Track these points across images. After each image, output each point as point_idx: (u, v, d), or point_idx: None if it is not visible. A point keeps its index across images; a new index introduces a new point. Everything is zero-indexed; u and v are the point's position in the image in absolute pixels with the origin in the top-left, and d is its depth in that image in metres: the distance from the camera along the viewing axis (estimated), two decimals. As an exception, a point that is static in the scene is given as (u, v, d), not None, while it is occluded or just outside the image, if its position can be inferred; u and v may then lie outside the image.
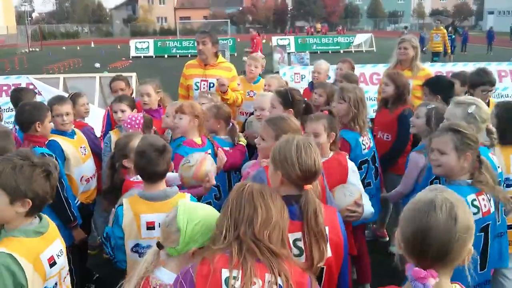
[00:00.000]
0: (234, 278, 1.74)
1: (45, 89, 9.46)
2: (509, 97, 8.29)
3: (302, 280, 1.88)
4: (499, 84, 8.50)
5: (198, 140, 3.76)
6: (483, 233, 2.63)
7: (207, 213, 2.09)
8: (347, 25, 74.92)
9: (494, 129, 3.26)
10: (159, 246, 2.08)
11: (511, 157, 3.36)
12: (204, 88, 5.31)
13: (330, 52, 30.71)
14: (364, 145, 3.89)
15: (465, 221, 1.57)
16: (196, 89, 5.36)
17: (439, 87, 4.35)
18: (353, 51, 31.39)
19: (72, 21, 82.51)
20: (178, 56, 30.69)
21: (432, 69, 7.41)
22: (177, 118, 3.76)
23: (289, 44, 29.15)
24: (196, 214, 2.04)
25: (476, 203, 2.66)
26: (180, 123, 3.74)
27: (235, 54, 27.03)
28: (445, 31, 20.61)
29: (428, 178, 3.46)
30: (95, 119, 5.42)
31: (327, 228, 2.24)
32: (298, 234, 2.16)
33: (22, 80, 10.05)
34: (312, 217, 2.15)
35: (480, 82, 4.53)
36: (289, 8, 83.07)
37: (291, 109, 3.68)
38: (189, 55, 30.27)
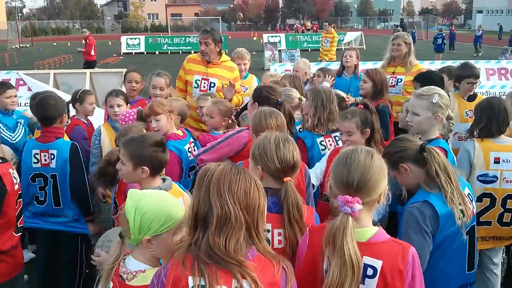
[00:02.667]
0: (198, 286, 1.65)
1: (35, 85, 9.41)
2: (496, 95, 8.40)
3: (274, 280, 1.73)
4: (487, 82, 8.62)
5: (179, 132, 3.72)
6: (468, 236, 2.53)
7: (156, 201, 2.01)
8: (338, 23, 75.13)
9: (453, 115, 3.29)
10: (121, 235, 2.04)
11: (491, 154, 3.38)
12: (204, 87, 5.11)
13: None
14: (323, 145, 3.73)
15: (381, 163, 1.98)
16: (196, 87, 5.15)
17: (430, 82, 4.38)
18: (343, 49, 31.45)
19: (63, 17, 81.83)
20: (169, 52, 30.62)
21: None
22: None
23: (279, 42, 29.13)
24: (143, 203, 1.96)
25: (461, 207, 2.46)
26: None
27: (226, 51, 26.99)
28: (336, 34, 16.87)
29: None
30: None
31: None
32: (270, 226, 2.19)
33: (12, 76, 9.97)
34: (293, 207, 2.19)
35: (465, 75, 4.69)
36: (280, 6, 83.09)
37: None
38: (180, 52, 30.27)
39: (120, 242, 2.05)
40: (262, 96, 3.53)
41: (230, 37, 35.98)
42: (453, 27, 31.89)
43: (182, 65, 5.36)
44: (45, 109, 3.61)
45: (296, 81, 4.72)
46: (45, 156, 3.59)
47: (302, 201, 2.27)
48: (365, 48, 31.42)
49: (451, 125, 3.33)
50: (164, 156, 2.67)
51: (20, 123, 4.57)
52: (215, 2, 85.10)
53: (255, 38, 41.90)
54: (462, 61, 8.94)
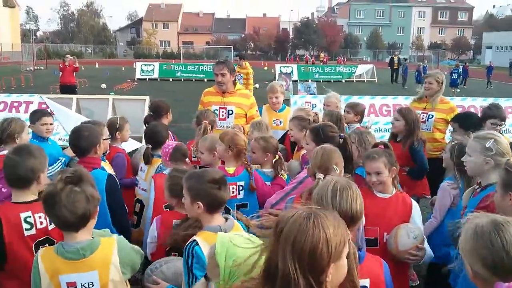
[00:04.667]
0: None
1: (58, 110, 9.53)
2: (517, 132, 8.45)
3: None
4: (506, 120, 8.68)
5: (230, 169, 3.66)
6: None
7: (247, 246, 1.89)
8: (347, 55, 75.96)
9: None
10: (207, 278, 2.01)
11: None
12: (223, 115, 5.39)
13: (332, 81, 30.99)
14: None
15: None
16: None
17: (469, 124, 4.48)
18: (354, 81, 31.79)
19: (77, 41, 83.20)
20: (182, 80, 30.96)
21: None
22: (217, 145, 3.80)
23: (292, 72, 29.43)
24: (235, 249, 1.88)
25: None
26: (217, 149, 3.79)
27: (239, 80, 27.33)
28: (250, 70, 13.32)
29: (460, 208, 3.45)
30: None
31: (368, 280, 2.16)
32: None
33: (35, 99, 10.11)
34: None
35: (490, 115, 4.77)
36: (290, 37, 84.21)
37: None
38: (194, 80, 30.66)
39: (204, 284, 2.00)
40: (327, 136, 3.54)
41: (241, 66, 36.43)
42: (466, 64, 31.95)
43: (200, 99, 5.71)
44: (78, 139, 3.64)
45: (334, 117, 4.56)
46: None
47: (357, 254, 2.04)
48: (376, 81, 31.73)
49: None
50: (220, 194, 2.57)
51: (60, 160, 4.48)
52: (226, 31, 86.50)
53: (265, 68, 42.37)
54: (482, 99, 9.10)
